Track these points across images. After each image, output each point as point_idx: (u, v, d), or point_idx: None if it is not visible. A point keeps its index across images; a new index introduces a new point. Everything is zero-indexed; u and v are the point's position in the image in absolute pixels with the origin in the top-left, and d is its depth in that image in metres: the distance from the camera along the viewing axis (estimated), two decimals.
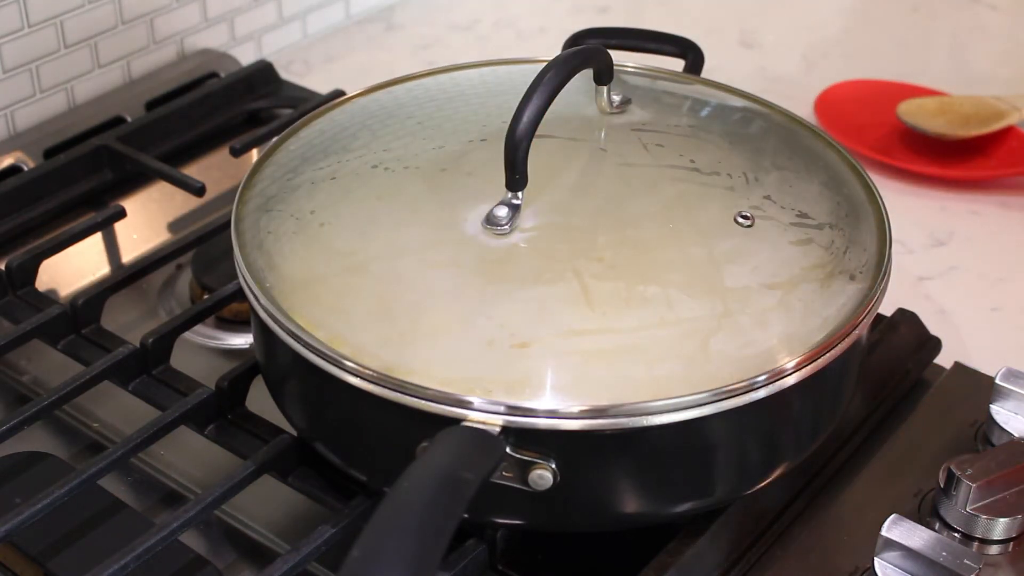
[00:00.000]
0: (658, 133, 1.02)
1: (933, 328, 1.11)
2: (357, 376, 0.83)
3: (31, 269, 1.16)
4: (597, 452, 0.82)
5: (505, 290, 0.86)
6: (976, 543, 0.90)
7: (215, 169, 1.37)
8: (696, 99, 1.09)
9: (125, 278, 1.13)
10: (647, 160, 0.99)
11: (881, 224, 0.96)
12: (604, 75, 1.01)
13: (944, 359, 1.10)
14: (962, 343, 1.14)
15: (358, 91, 1.14)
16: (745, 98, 1.10)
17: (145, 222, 1.32)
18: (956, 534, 0.90)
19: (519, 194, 0.90)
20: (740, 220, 0.94)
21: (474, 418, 0.79)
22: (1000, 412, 0.99)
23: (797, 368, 0.84)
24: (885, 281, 0.91)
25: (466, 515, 0.72)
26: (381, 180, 0.97)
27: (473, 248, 0.89)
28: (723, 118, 1.06)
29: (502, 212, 0.89)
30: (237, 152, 1.32)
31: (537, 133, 0.89)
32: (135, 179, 1.33)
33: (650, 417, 0.80)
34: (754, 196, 0.95)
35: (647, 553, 0.88)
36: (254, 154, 1.40)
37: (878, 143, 1.42)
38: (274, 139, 1.05)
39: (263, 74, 1.48)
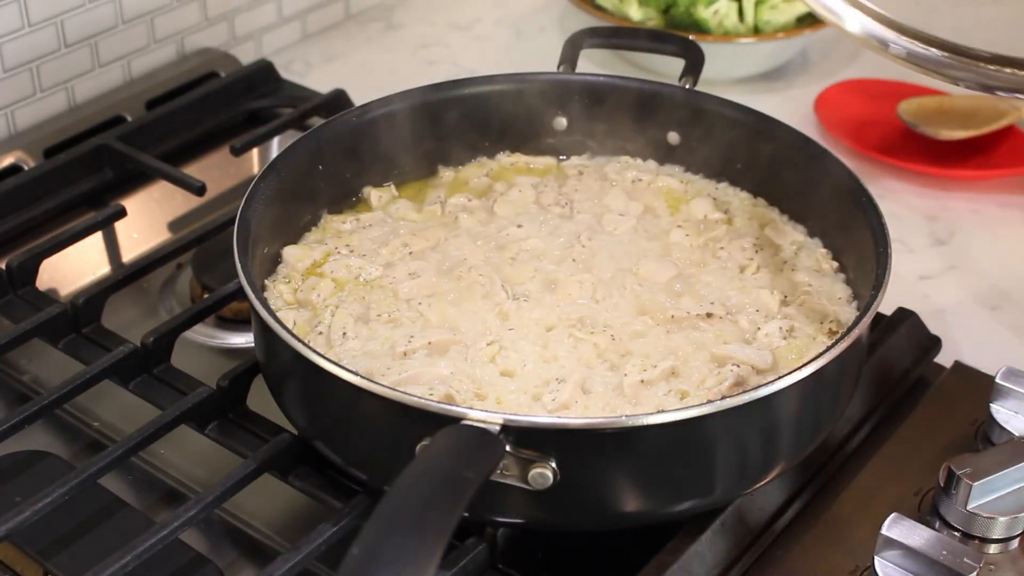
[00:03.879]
0: None
1: (933, 327, 1.11)
2: (358, 374, 0.83)
3: (31, 268, 1.16)
4: (597, 451, 0.82)
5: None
6: (976, 542, 0.90)
7: (215, 168, 1.37)
8: None
9: (125, 277, 1.14)
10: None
11: (879, 222, 0.96)
12: None
13: (944, 358, 1.10)
14: (962, 342, 1.14)
15: None
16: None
17: (145, 221, 1.32)
18: (956, 533, 0.90)
19: None
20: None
21: (474, 417, 0.79)
22: (1000, 411, 0.99)
23: (797, 367, 0.84)
24: (885, 280, 0.91)
25: (466, 514, 0.72)
26: None
27: None
28: None
29: None
30: (237, 151, 1.32)
31: None
32: (135, 178, 1.33)
33: (650, 416, 0.80)
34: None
35: (647, 552, 0.88)
36: (255, 153, 1.40)
37: (878, 142, 1.42)
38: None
39: (263, 73, 1.48)
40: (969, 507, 0.89)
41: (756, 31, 1.54)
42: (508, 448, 0.79)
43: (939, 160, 1.39)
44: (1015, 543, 0.91)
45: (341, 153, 1.10)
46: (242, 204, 0.98)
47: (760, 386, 0.82)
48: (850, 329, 0.87)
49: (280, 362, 0.91)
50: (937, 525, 0.91)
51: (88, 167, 1.31)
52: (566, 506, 0.84)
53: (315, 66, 1.61)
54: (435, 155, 1.16)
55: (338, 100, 1.41)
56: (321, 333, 0.95)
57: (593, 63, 1.59)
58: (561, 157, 1.19)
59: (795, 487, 0.96)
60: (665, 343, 0.95)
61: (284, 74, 1.51)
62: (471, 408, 0.81)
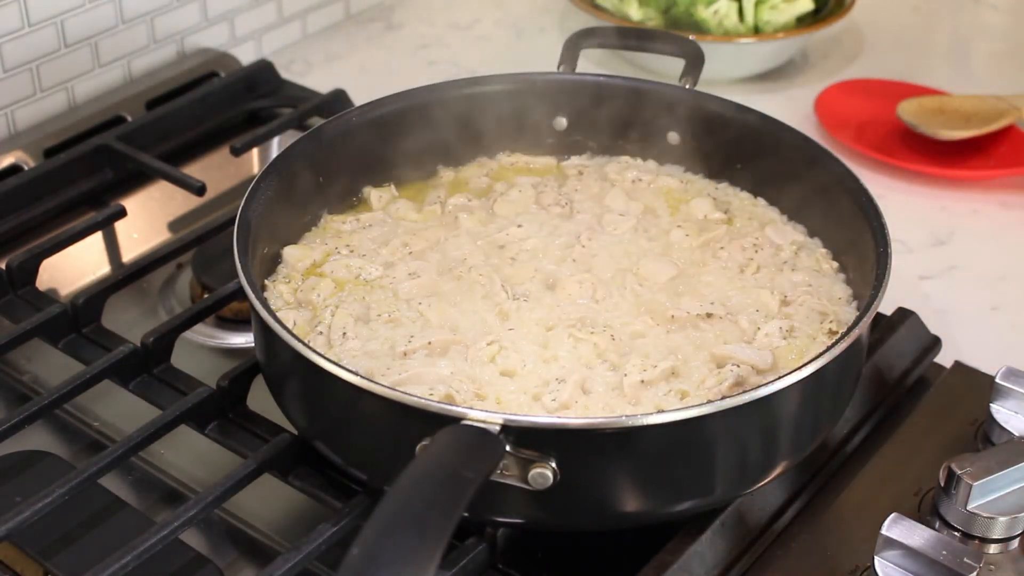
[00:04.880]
0: None
1: (933, 327, 1.11)
2: (358, 374, 0.83)
3: (31, 268, 1.16)
4: (597, 451, 0.82)
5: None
6: (976, 542, 0.90)
7: (215, 168, 1.37)
8: None
9: (125, 277, 1.14)
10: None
11: (879, 222, 0.96)
12: None
13: (944, 358, 1.10)
14: (962, 342, 1.14)
15: None
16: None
17: (145, 221, 1.32)
18: (956, 533, 0.90)
19: None
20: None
21: (474, 417, 0.79)
22: (1000, 411, 0.99)
23: (797, 367, 0.84)
24: (885, 280, 0.91)
25: (466, 514, 0.72)
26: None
27: None
28: None
29: None
30: (237, 151, 1.32)
31: None
32: (135, 178, 1.33)
33: (650, 416, 0.80)
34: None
35: (647, 552, 0.88)
36: (255, 153, 1.40)
37: (878, 142, 1.42)
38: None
39: (263, 73, 1.48)
40: (969, 507, 0.89)
41: (756, 31, 1.54)
42: (508, 448, 0.79)
43: (939, 160, 1.39)
44: (1015, 543, 0.91)
45: (341, 153, 1.10)
46: (242, 204, 0.98)
47: (760, 386, 0.82)
48: (850, 329, 0.87)
49: (280, 362, 0.91)
50: (937, 525, 0.91)
51: (88, 167, 1.31)
52: (566, 506, 0.84)
53: (315, 66, 1.61)
54: (435, 155, 1.16)
55: (338, 100, 1.41)
56: (321, 333, 0.95)
57: (593, 63, 1.59)
58: (561, 157, 1.19)
59: (795, 487, 0.96)
60: (665, 343, 0.95)
61: (284, 74, 1.51)
62: (471, 408, 0.81)
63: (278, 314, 0.91)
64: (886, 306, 1.02)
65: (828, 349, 0.85)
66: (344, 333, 0.95)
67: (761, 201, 1.12)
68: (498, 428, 0.78)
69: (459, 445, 0.76)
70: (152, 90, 1.43)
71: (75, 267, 1.25)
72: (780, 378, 0.83)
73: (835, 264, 1.04)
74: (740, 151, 1.12)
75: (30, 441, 1.02)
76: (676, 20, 1.54)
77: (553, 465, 0.80)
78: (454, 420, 0.79)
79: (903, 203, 1.35)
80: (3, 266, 1.15)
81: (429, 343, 0.93)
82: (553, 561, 0.92)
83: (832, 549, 0.92)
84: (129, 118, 1.39)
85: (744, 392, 0.82)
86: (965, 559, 0.84)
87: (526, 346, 0.94)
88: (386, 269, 1.03)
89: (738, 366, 0.91)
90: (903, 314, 1.09)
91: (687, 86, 1.15)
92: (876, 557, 0.87)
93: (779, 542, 0.92)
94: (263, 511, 0.97)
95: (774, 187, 1.11)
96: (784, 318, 0.97)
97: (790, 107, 1.51)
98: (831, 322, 0.97)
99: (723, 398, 0.82)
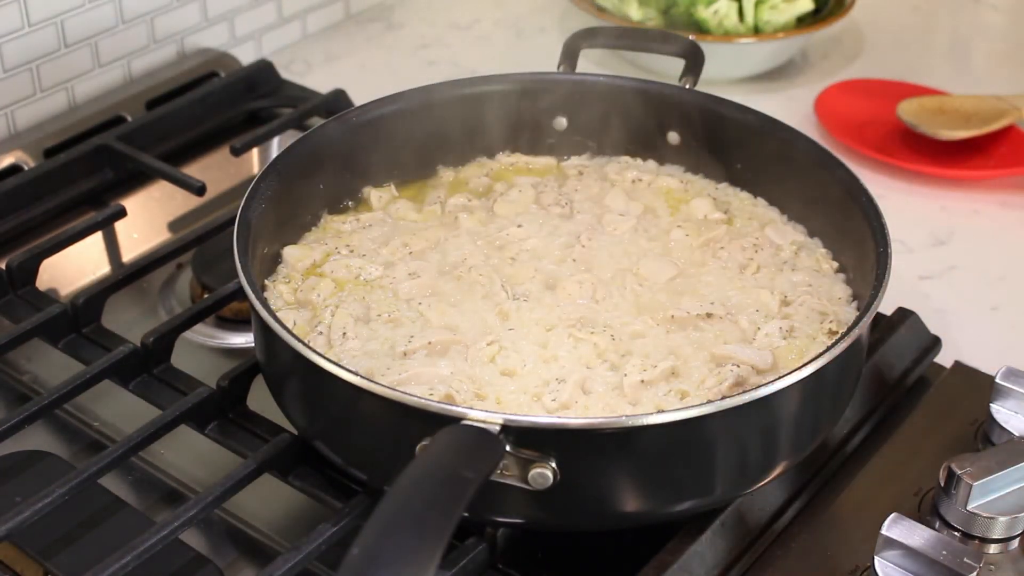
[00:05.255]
0: None
1: (933, 327, 1.11)
2: (358, 374, 0.83)
3: (31, 268, 1.16)
4: (597, 451, 0.82)
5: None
6: (976, 542, 0.90)
7: (215, 168, 1.37)
8: None
9: (125, 277, 1.14)
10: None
11: (879, 222, 0.96)
12: None
13: (944, 358, 1.10)
14: (962, 342, 1.14)
15: None
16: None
17: (145, 221, 1.32)
18: (956, 533, 0.90)
19: None
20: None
21: (474, 417, 0.79)
22: (1000, 411, 0.99)
23: (797, 367, 0.84)
24: (885, 280, 0.91)
25: (466, 514, 0.72)
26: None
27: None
28: None
29: None
30: (237, 151, 1.32)
31: None
32: (135, 178, 1.33)
33: (650, 416, 0.80)
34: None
35: (647, 552, 0.88)
36: (255, 153, 1.40)
37: (878, 142, 1.42)
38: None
39: (263, 73, 1.48)
40: (969, 507, 0.89)
41: (756, 31, 1.54)
42: (508, 448, 0.79)
43: (939, 160, 1.39)
44: (1015, 543, 0.91)
45: (341, 153, 1.10)
46: (242, 204, 0.98)
47: (760, 386, 0.82)
48: (850, 329, 0.87)
49: (280, 362, 0.91)
50: (937, 525, 0.91)
51: (88, 167, 1.31)
52: (566, 506, 0.84)
53: (315, 66, 1.61)
54: (435, 155, 1.16)
55: (338, 100, 1.41)
56: (321, 333, 0.95)
57: (593, 63, 1.59)
58: (561, 157, 1.19)
59: (795, 487, 0.96)
60: (665, 343, 0.95)
61: (284, 74, 1.51)
62: (471, 408, 0.81)
63: (278, 314, 0.91)
64: (886, 306, 1.02)
65: (828, 349, 0.85)
66: (344, 333, 0.95)
67: (761, 201, 1.12)
68: (498, 428, 0.78)
69: (459, 445, 0.76)
70: (152, 90, 1.43)
71: (75, 267, 1.25)
72: (780, 378, 0.83)
73: (835, 264, 1.04)
74: (740, 151, 1.12)
75: (30, 441, 1.02)
76: (676, 20, 1.54)
77: (553, 465, 0.80)
78: (454, 420, 0.79)
79: (903, 203, 1.35)
80: (3, 266, 1.15)
81: (429, 343, 0.93)
82: (553, 561, 0.92)
83: (832, 549, 0.92)
84: (129, 118, 1.39)
85: (744, 392, 0.82)
86: (965, 559, 0.84)
87: (526, 346, 0.94)
88: (386, 269, 1.03)
89: (738, 366, 0.91)
90: (903, 314, 1.09)
91: (687, 86, 1.15)
92: (876, 557, 0.87)
93: (779, 542, 0.92)
94: (263, 511, 0.97)
95: (774, 187, 1.11)
96: (784, 318, 0.97)
97: (790, 107, 1.51)
98: (831, 322, 0.97)
99: (723, 398, 0.82)
